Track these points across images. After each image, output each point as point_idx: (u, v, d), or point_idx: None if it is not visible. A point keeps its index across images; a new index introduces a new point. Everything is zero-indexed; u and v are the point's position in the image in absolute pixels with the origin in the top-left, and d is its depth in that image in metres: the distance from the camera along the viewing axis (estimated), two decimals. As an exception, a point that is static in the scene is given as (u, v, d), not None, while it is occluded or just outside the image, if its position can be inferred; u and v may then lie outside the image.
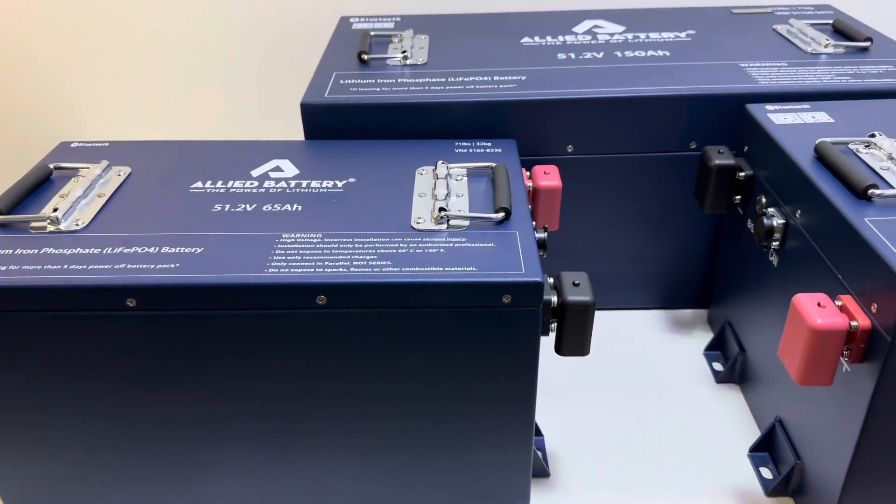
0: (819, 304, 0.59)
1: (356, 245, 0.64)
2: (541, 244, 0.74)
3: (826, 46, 0.96)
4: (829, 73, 0.90)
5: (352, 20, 1.16)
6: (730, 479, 0.76)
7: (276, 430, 0.67)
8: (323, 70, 0.95)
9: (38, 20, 1.28)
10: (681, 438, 0.81)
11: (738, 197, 0.82)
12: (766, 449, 0.77)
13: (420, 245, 0.64)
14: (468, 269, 0.61)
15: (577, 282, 0.64)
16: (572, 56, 0.98)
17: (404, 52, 0.98)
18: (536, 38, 1.04)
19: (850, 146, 0.72)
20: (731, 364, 0.86)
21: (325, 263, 0.62)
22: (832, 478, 0.64)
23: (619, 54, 0.98)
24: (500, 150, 0.82)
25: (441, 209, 0.67)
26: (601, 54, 0.98)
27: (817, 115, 0.79)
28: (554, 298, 0.63)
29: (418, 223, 0.67)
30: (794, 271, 0.71)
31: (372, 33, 1.06)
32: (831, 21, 1.05)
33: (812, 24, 1.04)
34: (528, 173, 0.83)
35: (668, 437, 0.81)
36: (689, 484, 0.76)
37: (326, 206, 0.71)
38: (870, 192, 0.63)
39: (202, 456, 0.68)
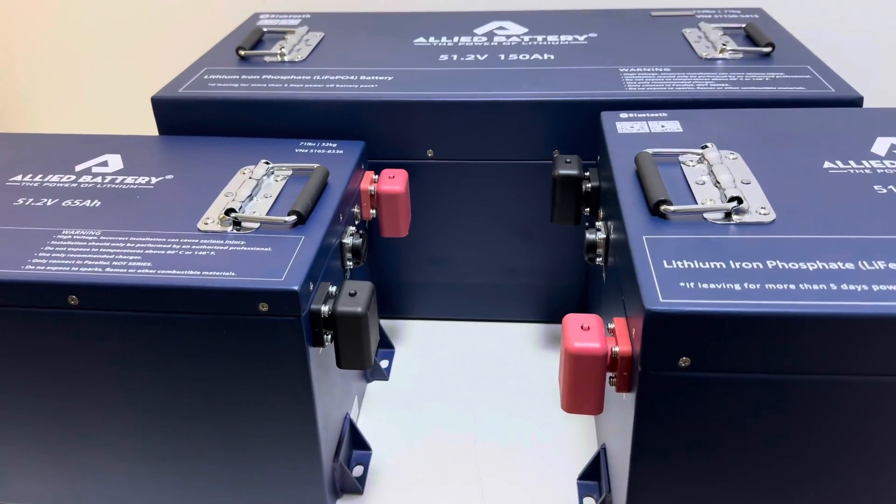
0: (583, 327, 0.55)
1: (129, 245, 0.62)
2: (355, 251, 0.71)
3: (723, 52, 0.91)
4: (709, 79, 0.84)
5: (262, 16, 1.14)
6: (553, 507, 0.72)
7: (51, 431, 0.65)
8: (195, 66, 0.94)
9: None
10: (518, 462, 0.77)
11: (588, 209, 0.77)
12: (596, 478, 0.73)
13: (194, 247, 0.62)
14: (227, 273, 0.58)
15: (354, 292, 0.61)
16: (454, 58, 0.94)
17: (282, 48, 0.96)
18: (431, 39, 1.01)
19: (681, 158, 0.67)
20: (586, 384, 0.82)
21: (86, 262, 0.60)
22: (620, 513, 0.60)
23: (502, 57, 0.94)
24: (341, 152, 0.79)
25: (229, 210, 0.65)
26: (484, 57, 0.94)
27: (668, 125, 0.74)
28: (324, 308, 0.60)
29: (205, 224, 0.65)
30: (612, 289, 0.67)
31: (265, 29, 1.04)
32: (744, 26, 0.99)
33: (723, 28, 0.99)
34: (375, 177, 0.80)
35: (506, 460, 0.77)
36: (509, 509, 0.72)
37: (126, 203, 0.69)
38: (662, 208, 0.58)
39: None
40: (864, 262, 0.51)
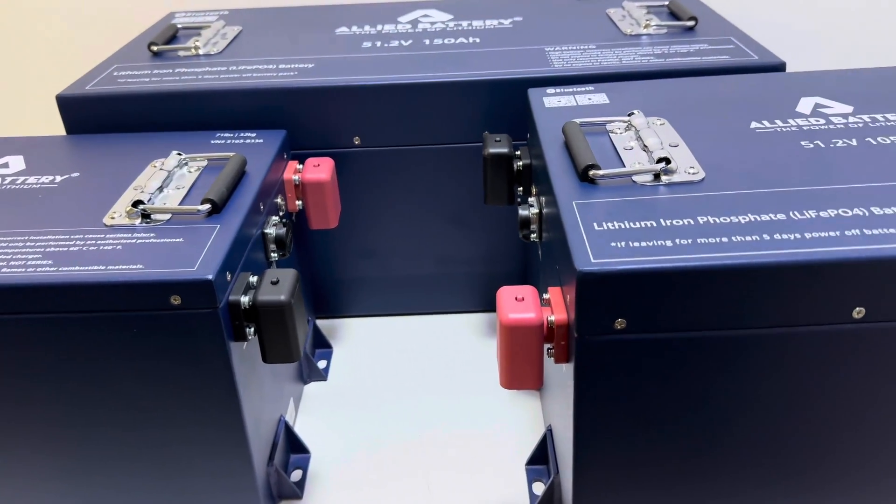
0: (517, 298, 0.52)
1: (28, 244, 0.58)
2: (279, 242, 0.68)
3: (647, 27, 0.90)
4: (634, 53, 0.83)
5: (177, 14, 1.10)
6: (503, 496, 0.69)
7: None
8: (105, 63, 0.89)
9: None
10: (465, 453, 0.74)
11: (521, 188, 0.76)
12: (544, 461, 0.70)
13: (99, 242, 0.57)
14: (134, 267, 0.54)
15: (276, 280, 0.58)
16: (378, 44, 0.91)
17: (196, 42, 0.91)
18: (354, 28, 0.98)
19: (608, 127, 0.66)
20: (530, 369, 0.80)
21: (-21, 264, 0.55)
22: (567, 490, 0.57)
23: (427, 42, 0.92)
24: (261, 141, 0.76)
25: (137, 202, 0.61)
26: (409, 42, 0.92)
27: (595, 97, 0.73)
28: (244, 299, 0.56)
29: (111, 219, 0.61)
30: (547, 263, 0.65)
31: (179, 25, 1.00)
32: (667, 2, 0.99)
33: (647, 7, 0.99)
34: (300, 166, 0.77)
35: (453, 452, 0.74)
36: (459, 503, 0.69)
37: (26, 203, 0.64)
38: (591, 172, 0.56)
39: None
40: (795, 213, 0.50)
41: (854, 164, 0.56)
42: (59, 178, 0.68)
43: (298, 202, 0.76)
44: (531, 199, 0.68)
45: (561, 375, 0.55)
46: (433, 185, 0.85)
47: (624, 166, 0.58)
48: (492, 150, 0.74)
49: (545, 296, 0.54)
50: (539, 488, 0.68)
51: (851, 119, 0.64)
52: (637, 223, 0.50)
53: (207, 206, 0.61)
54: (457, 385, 0.83)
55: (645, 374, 0.49)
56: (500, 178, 0.75)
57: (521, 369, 0.52)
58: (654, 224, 0.50)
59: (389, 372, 0.85)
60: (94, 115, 0.80)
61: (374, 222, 0.86)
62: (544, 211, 0.64)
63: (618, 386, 0.50)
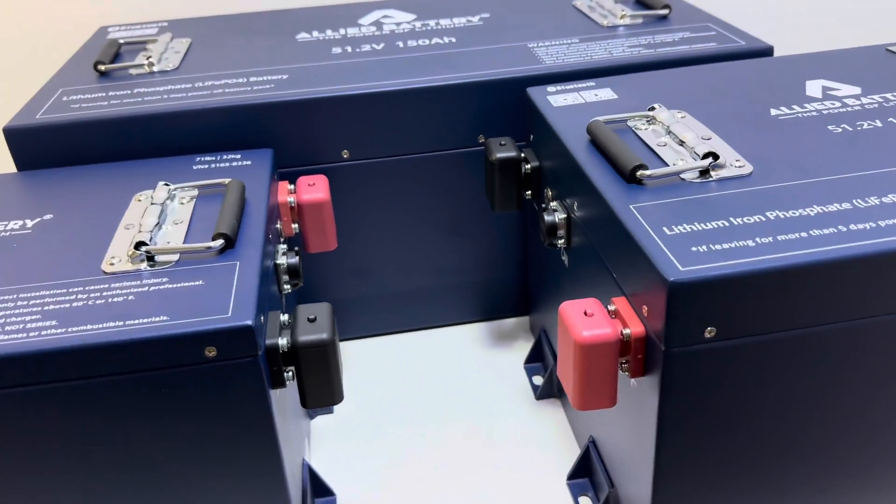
0: (586, 313, 0.49)
1: (20, 303, 0.50)
2: (292, 271, 0.62)
3: (622, 18, 0.89)
4: (621, 45, 0.82)
5: (110, 29, 1.00)
6: (547, 515, 0.66)
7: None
8: (49, 87, 0.80)
9: None
10: (494, 473, 0.71)
11: (529, 192, 0.72)
12: (585, 474, 0.68)
13: (104, 294, 0.50)
14: (156, 319, 0.48)
15: (313, 317, 0.52)
16: (348, 50, 0.86)
17: (149, 58, 0.83)
18: (315, 34, 0.92)
19: (630, 123, 0.63)
20: (549, 376, 0.77)
21: (-35, 333, 0.47)
22: (640, 506, 0.55)
23: (400, 44, 0.87)
24: (248, 163, 0.69)
25: (139, 244, 0.54)
26: (381, 46, 0.87)
27: (600, 93, 0.71)
28: (282, 341, 0.51)
29: (111, 265, 0.53)
30: (582, 272, 0.62)
31: (121, 41, 0.91)
32: (633, -8, 0.98)
33: (614, -3, 0.97)
34: (291, 187, 0.71)
35: (482, 470, 0.71)
36: (502, 527, 0.66)
37: (2, 254, 0.56)
38: (638, 173, 0.54)
39: None
40: (859, 201, 0.50)
41: (891, 147, 0.56)
42: (30, 223, 0.60)
43: (294, 225, 0.71)
44: (553, 204, 0.65)
45: (627, 388, 0.53)
46: (426, 194, 0.81)
47: (665, 164, 0.56)
48: (500, 155, 0.71)
49: (608, 307, 0.51)
50: (587, 503, 0.66)
51: (864, 100, 0.64)
52: (707, 224, 0.48)
53: (220, 242, 0.54)
54: (469, 400, 0.79)
55: (733, 380, 0.47)
56: (510, 184, 0.72)
57: (596, 388, 0.49)
58: (726, 224, 0.48)
59: (397, 394, 0.80)
60: (48, 148, 0.72)
61: (367, 239, 0.81)
62: (576, 215, 0.61)
63: (705, 395, 0.47)
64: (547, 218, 0.64)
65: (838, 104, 0.64)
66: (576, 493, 0.67)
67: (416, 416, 0.77)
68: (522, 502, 0.67)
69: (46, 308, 0.49)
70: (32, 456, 0.49)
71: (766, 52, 0.79)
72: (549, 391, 0.78)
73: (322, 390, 0.53)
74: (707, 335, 0.45)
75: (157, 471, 0.51)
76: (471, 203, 0.82)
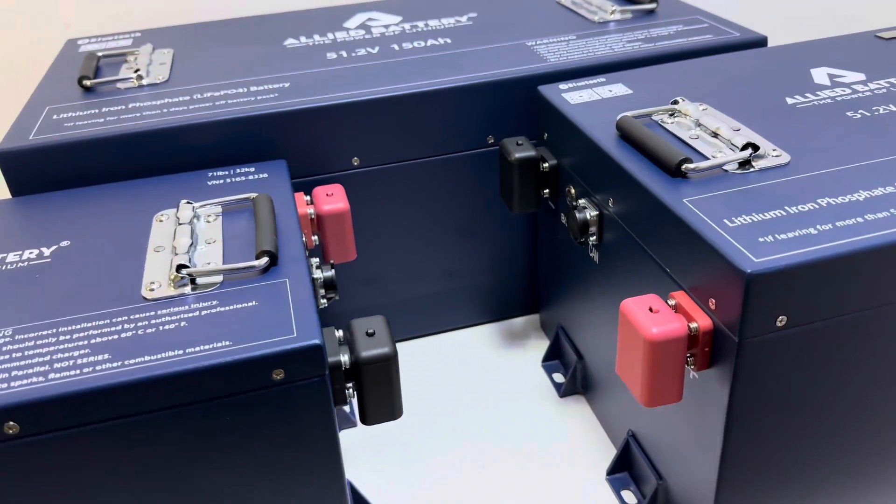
0: (651, 309, 0.49)
1: (62, 337, 0.47)
2: (329, 284, 0.60)
3: (613, 13, 0.90)
4: (620, 40, 0.83)
5: (80, 42, 0.95)
6: (591, 511, 0.67)
7: None
8: (33, 105, 0.75)
9: None
10: (530, 470, 0.70)
11: (547, 191, 0.72)
12: (624, 468, 0.68)
13: (153, 322, 0.48)
14: (218, 345, 0.45)
15: (371, 330, 0.51)
16: (343, 54, 0.84)
17: (137, 70, 0.80)
18: (302, 39, 0.90)
19: (654, 117, 0.64)
20: (572, 374, 0.77)
21: (13, 374, 0.44)
22: (701, 496, 0.55)
23: (396, 47, 0.86)
24: (265, 175, 0.67)
25: (180, 266, 0.51)
26: (376, 49, 0.85)
27: (614, 88, 0.71)
28: (345, 358, 0.49)
29: (151, 290, 0.51)
30: (618, 267, 0.62)
31: (100, 54, 0.87)
32: (613, -13, 0.99)
33: (594, -7, 0.98)
34: (307, 198, 0.68)
35: (517, 471, 0.70)
36: (548, 527, 0.65)
37: (25, 286, 0.52)
38: (684, 167, 0.54)
39: None
40: (901, 183, 0.51)
41: (911, 129, 0.58)
42: (46, 251, 0.57)
43: (314, 237, 0.69)
44: (581, 202, 0.65)
45: (686, 382, 0.53)
46: (437, 198, 0.80)
47: (702, 156, 0.57)
48: (518, 155, 0.70)
49: (669, 301, 0.51)
50: (630, 497, 0.66)
51: (872, 86, 0.67)
52: (765, 214, 0.49)
53: (266, 260, 0.52)
54: (493, 402, 0.78)
55: (802, 366, 0.48)
56: (529, 183, 0.72)
57: (665, 384, 0.49)
58: (783, 213, 0.49)
59: (418, 402, 0.79)
60: (46, 171, 0.68)
61: (378, 245, 0.80)
62: (609, 211, 0.61)
63: (775, 383, 0.48)
64: (578, 216, 0.64)
65: (848, 91, 0.66)
66: (617, 487, 0.67)
67: (443, 423, 0.76)
68: (564, 500, 0.67)
69: (94, 341, 0.46)
70: (92, 497, 0.46)
71: (761, 42, 0.81)
72: (573, 388, 0.78)
73: (383, 406, 0.52)
74: (778, 324, 0.46)
75: (219, 498, 0.49)
76: (480, 204, 0.81)
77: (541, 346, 0.86)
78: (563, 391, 0.78)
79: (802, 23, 1.29)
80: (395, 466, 0.72)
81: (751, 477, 0.52)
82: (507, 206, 0.74)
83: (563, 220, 0.71)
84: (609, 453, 0.71)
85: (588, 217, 0.64)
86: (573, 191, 0.68)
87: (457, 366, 0.84)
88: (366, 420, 0.52)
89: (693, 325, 0.49)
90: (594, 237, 0.64)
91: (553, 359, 0.82)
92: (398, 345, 0.86)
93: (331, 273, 0.60)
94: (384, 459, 0.73)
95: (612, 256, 0.63)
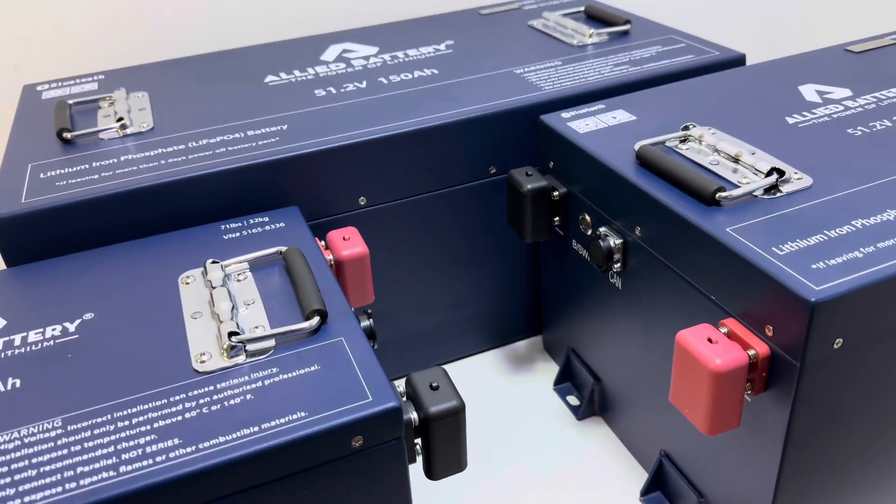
0: (710, 340, 0.50)
1: (120, 424, 0.44)
2: (370, 334, 0.59)
3: (591, 36, 0.91)
4: (606, 64, 0.84)
5: (39, 88, 0.90)
6: (630, 534, 0.68)
7: None
8: (12, 163, 0.71)
9: None
10: (567, 499, 0.71)
11: (557, 218, 0.73)
12: (657, 488, 0.69)
13: (216, 398, 0.46)
14: (294, 417, 0.44)
15: (434, 383, 0.50)
16: (332, 91, 0.83)
17: (120, 119, 0.76)
18: (283, 75, 0.88)
19: (668, 143, 0.65)
20: (590, 396, 0.78)
21: (80, 471, 0.41)
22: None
23: (384, 80, 0.85)
24: (282, 225, 0.65)
25: (231, 334, 0.49)
26: (364, 83, 0.84)
27: (616, 115, 0.72)
28: (414, 415, 0.48)
29: (203, 362, 0.48)
30: (645, 293, 0.63)
31: (71, 101, 0.82)
32: (583, 8, 1.01)
33: (565, 15, 1.00)
34: (322, 243, 0.67)
35: (550, 499, 0.71)
36: (593, 555, 0.66)
37: (60, 368, 0.49)
38: (718, 195, 0.56)
39: None
40: (923, 199, 0.54)
41: (911, 143, 0.62)
42: (71, 326, 0.53)
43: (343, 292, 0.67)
44: (601, 230, 0.66)
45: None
46: (441, 230, 0.79)
47: (727, 181, 0.58)
48: (531, 186, 0.71)
49: (721, 329, 0.52)
50: (667, 515, 0.67)
51: (860, 101, 0.70)
52: (808, 240, 0.51)
53: (317, 320, 0.51)
54: (512, 429, 0.78)
55: (857, 386, 0.50)
56: (542, 212, 0.72)
57: (726, 412, 0.51)
58: (825, 238, 0.51)
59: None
60: (44, 236, 0.64)
61: (385, 282, 0.79)
62: (635, 238, 0.62)
63: (832, 404, 0.50)
64: (602, 244, 0.65)
65: (841, 107, 0.69)
66: (653, 507, 0.68)
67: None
68: (603, 526, 0.68)
69: (157, 425, 0.44)
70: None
71: (741, 59, 0.84)
72: (591, 410, 0.79)
73: (451, 459, 0.51)
74: (835, 346, 0.48)
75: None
76: (482, 232, 0.81)
77: (547, 368, 0.87)
78: (582, 413, 0.79)
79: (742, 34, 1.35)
80: (425, 501, 0.71)
81: (805, 491, 0.54)
82: (518, 235, 0.74)
83: (576, 245, 0.72)
84: (637, 474, 0.72)
85: (612, 245, 0.64)
86: (589, 218, 0.69)
87: (471, 396, 0.83)
88: (433, 475, 0.51)
89: (751, 352, 0.50)
90: (618, 265, 0.65)
91: (565, 381, 0.83)
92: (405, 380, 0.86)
93: (370, 322, 0.59)
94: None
95: (638, 282, 0.64)
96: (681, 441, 0.65)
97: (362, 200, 0.74)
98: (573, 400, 0.81)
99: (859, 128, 0.65)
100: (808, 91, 0.73)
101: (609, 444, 0.76)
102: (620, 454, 0.75)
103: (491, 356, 0.89)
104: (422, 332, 0.84)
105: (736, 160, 0.61)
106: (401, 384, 0.52)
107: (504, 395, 0.83)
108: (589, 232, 0.69)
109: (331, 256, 0.66)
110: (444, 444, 0.50)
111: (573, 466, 0.74)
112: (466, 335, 0.87)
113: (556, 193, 0.72)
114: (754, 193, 0.57)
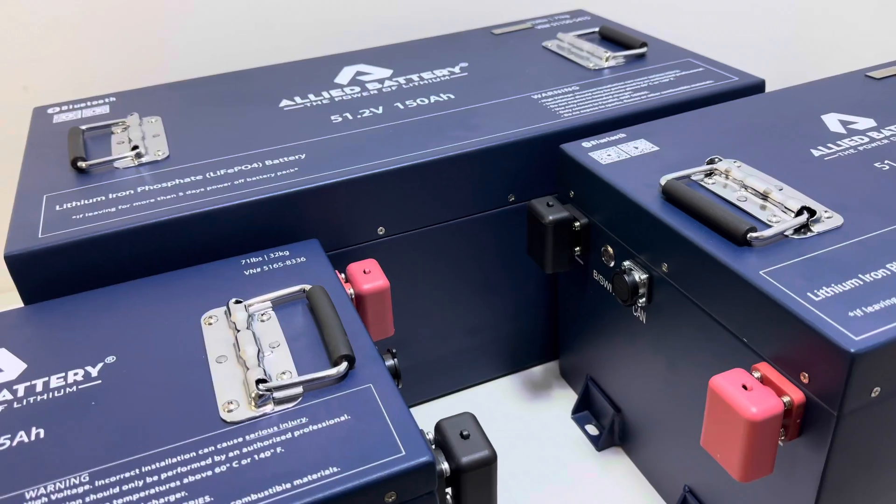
0: (745, 387, 0.50)
1: (149, 479, 0.43)
2: (394, 373, 0.58)
3: (607, 60, 0.91)
4: (625, 90, 0.84)
5: (50, 111, 0.89)
6: (654, 570, 0.67)
7: None
8: (26, 194, 0.70)
9: None
10: (586, 535, 0.70)
11: (578, 248, 0.72)
12: (679, 521, 0.69)
13: (245, 451, 0.45)
14: (326, 472, 0.43)
15: (465, 432, 0.49)
16: (348, 116, 0.82)
17: (135, 147, 0.75)
18: (297, 99, 0.87)
19: (693, 177, 0.65)
20: (610, 426, 0.77)
21: (109, 531, 0.40)
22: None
23: (400, 106, 0.84)
24: (303, 259, 0.64)
25: (259, 381, 0.48)
26: (380, 109, 0.83)
27: (639, 144, 0.72)
28: (445, 466, 0.48)
29: (230, 412, 0.48)
30: (672, 329, 0.63)
31: (83, 127, 0.81)
32: (597, 29, 1.01)
33: (580, 36, 0.99)
34: (342, 276, 0.66)
35: (571, 537, 0.70)
36: (616, 593, 0.65)
37: (84, 417, 0.48)
38: (749, 236, 0.55)
39: None
40: (957, 240, 0.54)
41: (939, 179, 0.61)
42: (93, 371, 0.52)
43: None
44: (626, 264, 0.65)
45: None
46: (459, 258, 0.78)
47: (755, 219, 0.58)
48: (553, 217, 0.70)
49: (754, 374, 0.52)
50: (691, 551, 0.67)
51: (886, 132, 0.70)
52: (844, 285, 0.50)
53: (345, 366, 0.50)
54: (531, 459, 0.78)
55: (891, 430, 0.49)
56: (564, 243, 0.71)
57: (760, 460, 0.50)
58: (860, 282, 0.50)
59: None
60: (62, 272, 0.63)
61: (404, 312, 0.78)
62: (661, 274, 0.61)
63: (867, 452, 0.49)
64: (627, 279, 0.64)
65: (866, 139, 0.69)
66: (678, 543, 0.68)
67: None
68: (626, 562, 0.68)
69: (187, 480, 0.43)
70: None
71: (760, 85, 0.83)
72: (611, 440, 0.78)
73: (482, 507, 0.50)
74: (873, 395, 0.47)
75: None
76: (500, 260, 0.80)
77: (564, 395, 0.86)
78: (602, 444, 0.78)
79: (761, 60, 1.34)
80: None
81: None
82: (539, 265, 0.74)
83: (597, 275, 0.71)
84: (660, 506, 0.72)
85: (637, 280, 0.64)
86: (611, 250, 0.68)
87: (489, 423, 0.82)
88: (462, 525, 0.50)
89: (786, 398, 0.49)
90: (643, 299, 0.64)
91: (583, 409, 0.82)
92: (424, 407, 0.85)
93: (394, 362, 0.58)
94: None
95: (664, 318, 0.63)
96: (706, 477, 0.64)
97: (381, 230, 0.73)
98: (592, 429, 0.80)
99: (887, 162, 0.65)
100: (832, 121, 0.72)
101: (630, 476, 0.75)
102: (642, 487, 0.74)
103: (507, 382, 0.89)
104: (438, 358, 0.83)
105: (765, 197, 0.60)
106: (429, 429, 0.51)
107: (523, 424, 0.83)
108: (612, 264, 0.68)
109: (351, 290, 0.65)
110: (475, 494, 0.49)
111: (594, 498, 0.73)
112: (482, 361, 0.87)
113: (577, 224, 0.71)
114: (785, 233, 0.56)
